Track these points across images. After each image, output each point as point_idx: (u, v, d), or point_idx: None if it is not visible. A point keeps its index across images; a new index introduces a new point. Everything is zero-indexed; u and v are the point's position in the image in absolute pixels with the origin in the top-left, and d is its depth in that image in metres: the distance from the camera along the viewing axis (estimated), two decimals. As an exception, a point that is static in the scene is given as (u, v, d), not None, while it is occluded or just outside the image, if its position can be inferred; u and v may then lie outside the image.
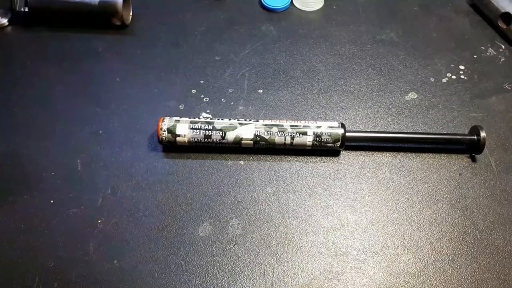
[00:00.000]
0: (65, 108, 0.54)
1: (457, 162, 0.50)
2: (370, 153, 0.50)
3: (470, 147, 0.50)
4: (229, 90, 0.56)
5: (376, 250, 0.44)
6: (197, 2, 0.67)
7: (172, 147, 0.50)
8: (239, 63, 0.59)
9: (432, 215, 0.46)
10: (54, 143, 0.51)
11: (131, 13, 0.64)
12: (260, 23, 0.64)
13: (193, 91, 0.56)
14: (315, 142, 0.48)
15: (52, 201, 0.46)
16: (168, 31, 0.63)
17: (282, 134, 0.48)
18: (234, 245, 0.44)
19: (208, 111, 0.54)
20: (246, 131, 0.48)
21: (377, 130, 0.53)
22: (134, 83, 0.57)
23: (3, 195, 0.46)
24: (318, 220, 0.46)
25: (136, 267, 0.42)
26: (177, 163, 0.49)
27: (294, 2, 0.67)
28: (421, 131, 0.53)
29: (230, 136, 0.48)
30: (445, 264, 0.43)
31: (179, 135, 0.48)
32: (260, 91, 0.56)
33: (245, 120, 0.49)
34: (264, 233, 0.45)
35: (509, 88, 0.57)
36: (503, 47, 0.62)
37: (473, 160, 0.50)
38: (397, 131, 0.53)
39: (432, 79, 0.58)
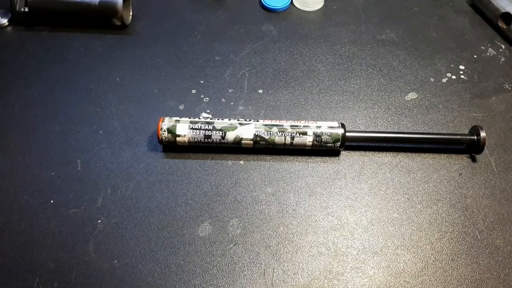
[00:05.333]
0: (65, 108, 0.54)
1: (457, 162, 0.50)
2: (370, 153, 0.50)
3: (470, 147, 0.50)
4: (229, 90, 0.56)
5: (376, 250, 0.44)
6: (197, 2, 0.67)
7: (172, 147, 0.50)
8: (239, 63, 0.59)
9: (432, 215, 0.46)
10: (54, 143, 0.51)
11: (131, 13, 0.64)
12: (260, 23, 0.64)
13: (193, 91, 0.56)
14: (315, 142, 0.48)
15: (52, 201, 0.46)
16: (168, 31, 0.63)
17: (282, 134, 0.48)
18: (234, 245, 0.44)
19: (208, 111, 0.54)
20: (246, 131, 0.48)
21: (377, 130, 0.53)
22: (134, 83, 0.57)
23: (3, 195, 0.46)
24: (318, 220, 0.46)
25: (136, 267, 0.42)
26: (177, 163, 0.49)
27: (294, 2, 0.67)
28: (421, 131, 0.52)
29: (230, 136, 0.48)
30: (445, 264, 0.43)
31: (179, 135, 0.48)
32: (260, 91, 0.56)
33: (245, 120, 0.49)
34: (264, 233, 0.45)
35: (509, 88, 0.57)
36: (503, 47, 0.62)
37: (473, 160, 0.50)
38: (397, 131, 0.53)
39: (432, 79, 0.58)
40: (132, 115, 0.53)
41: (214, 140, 0.48)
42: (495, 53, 0.61)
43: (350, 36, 0.63)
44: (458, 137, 0.50)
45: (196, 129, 0.48)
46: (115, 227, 0.45)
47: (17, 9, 0.60)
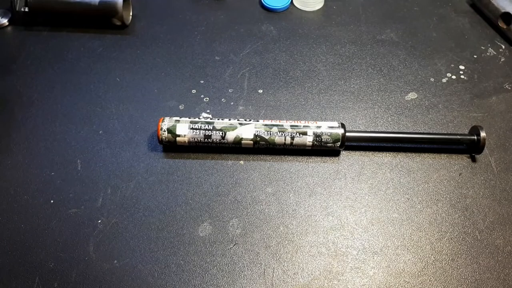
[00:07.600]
0: (65, 108, 0.54)
1: (457, 162, 0.50)
2: (370, 153, 0.50)
3: (470, 147, 0.50)
4: (229, 90, 0.56)
5: (376, 250, 0.44)
6: (197, 2, 0.67)
7: (172, 147, 0.50)
8: (239, 63, 0.59)
9: (432, 215, 0.46)
10: (54, 143, 0.51)
11: (131, 13, 0.64)
12: (260, 23, 0.64)
13: (193, 91, 0.56)
14: (315, 142, 0.48)
15: (52, 201, 0.46)
16: (168, 31, 0.63)
17: (282, 134, 0.48)
18: (234, 245, 0.44)
19: (208, 111, 0.54)
20: (246, 131, 0.48)
21: (377, 130, 0.53)
22: (134, 83, 0.57)
23: (3, 195, 0.46)
24: (318, 220, 0.46)
25: (136, 267, 0.42)
26: (177, 163, 0.49)
27: (294, 2, 0.67)
28: (421, 131, 0.53)
29: (230, 136, 0.48)
30: (445, 264, 0.43)
31: (179, 135, 0.48)
32: (260, 91, 0.56)
33: (245, 120, 0.49)
34: (264, 233, 0.45)
35: (509, 88, 0.57)
36: (503, 47, 0.62)
37: (473, 160, 0.50)
38: (397, 131, 0.53)
39: (432, 79, 0.58)
40: (132, 115, 0.53)
41: (214, 140, 0.48)
42: (495, 53, 0.61)
43: (350, 36, 0.63)
44: (458, 137, 0.50)
45: (196, 129, 0.48)
46: (115, 227, 0.45)
47: (17, 9, 0.60)
